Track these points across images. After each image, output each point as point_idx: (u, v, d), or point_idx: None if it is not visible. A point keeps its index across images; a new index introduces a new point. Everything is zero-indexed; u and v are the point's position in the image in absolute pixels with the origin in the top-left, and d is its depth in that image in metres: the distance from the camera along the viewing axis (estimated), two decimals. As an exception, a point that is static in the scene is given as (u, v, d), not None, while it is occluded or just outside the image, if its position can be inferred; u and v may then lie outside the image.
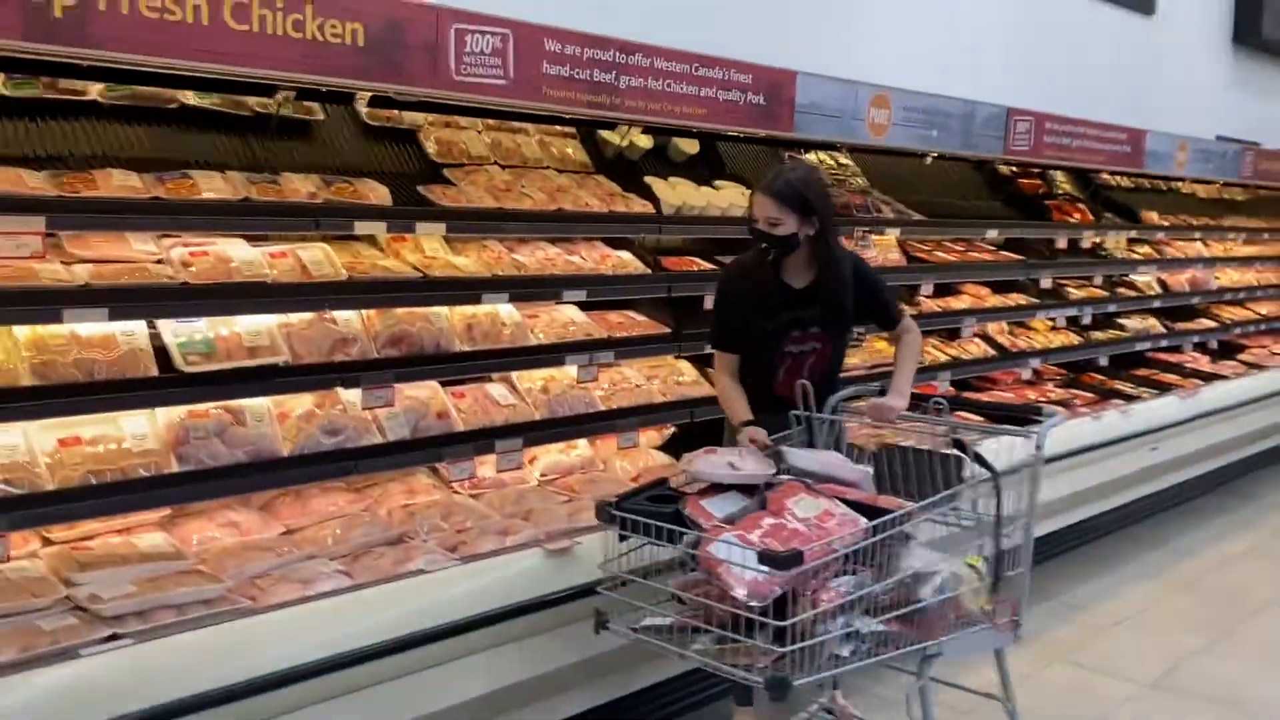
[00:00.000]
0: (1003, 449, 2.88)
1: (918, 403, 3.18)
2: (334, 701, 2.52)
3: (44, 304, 2.64)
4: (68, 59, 2.50)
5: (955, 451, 2.91)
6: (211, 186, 3.06)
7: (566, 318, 3.95)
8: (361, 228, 3.30)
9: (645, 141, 4.62)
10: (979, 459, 2.74)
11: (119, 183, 2.90)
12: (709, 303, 4.35)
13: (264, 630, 2.48)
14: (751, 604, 2.29)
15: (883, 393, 3.22)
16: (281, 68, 2.64)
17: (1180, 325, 7.31)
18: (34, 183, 2.77)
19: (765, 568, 2.28)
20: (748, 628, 2.34)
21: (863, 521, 2.48)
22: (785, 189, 3.07)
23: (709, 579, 2.43)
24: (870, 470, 2.86)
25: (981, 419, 3.45)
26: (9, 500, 2.55)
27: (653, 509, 2.61)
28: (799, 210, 3.08)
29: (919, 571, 2.50)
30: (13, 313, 2.62)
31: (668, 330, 4.15)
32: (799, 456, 2.83)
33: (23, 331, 2.76)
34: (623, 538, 2.63)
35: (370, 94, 3.17)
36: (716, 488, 2.70)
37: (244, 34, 2.53)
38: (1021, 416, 3.13)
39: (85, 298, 2.70)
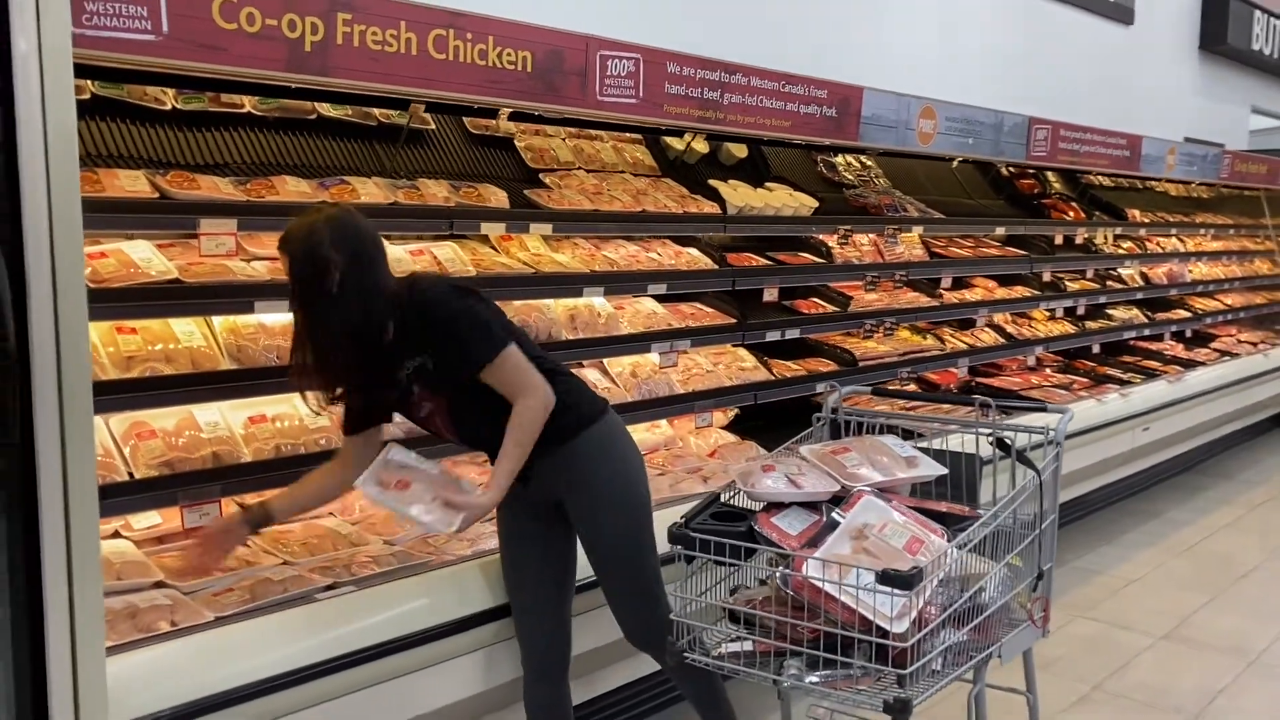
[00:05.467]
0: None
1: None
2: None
3: (242, 296, 2.99)
4: (314, 86, 2.85)
5: (974, 449, 2.80)
6: (366, 191, 3.41)
7: (648, 309, 4.34)
8: (486, 228, 3.67)
9: (702, 147, 5.02)
10: (1022, 458, 2.67)
11: (293, 188, 3.24)
12: (768, 295, 4.80)
13: (451, 579, 2.86)
14: (897, 629, 2.15)
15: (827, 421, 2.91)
16: (470, 91, 3.00)
17: (1160, 315, 7.88)
18: (226, 189, 3.10)
19: (891, 589, 2.14)
20: (843, 648, 2.19)
21: (941, 530, 2.39)
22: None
23: (782, 597, 2.28)
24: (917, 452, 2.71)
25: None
26: (221, 470, 2.90)
27: (724, 528, 2.41)
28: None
29: (975, 575, 2.43)
30: (218, 304, 2.97)
31: (733, 320, 4.57)
32: None
33: (217, 320, 3.10)
34: (688, 559, 2.39)
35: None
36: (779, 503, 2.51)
37: (443, 62, 2.89)
38: (1026, 408, 3.31)
39: (273, 291, 3.05)
